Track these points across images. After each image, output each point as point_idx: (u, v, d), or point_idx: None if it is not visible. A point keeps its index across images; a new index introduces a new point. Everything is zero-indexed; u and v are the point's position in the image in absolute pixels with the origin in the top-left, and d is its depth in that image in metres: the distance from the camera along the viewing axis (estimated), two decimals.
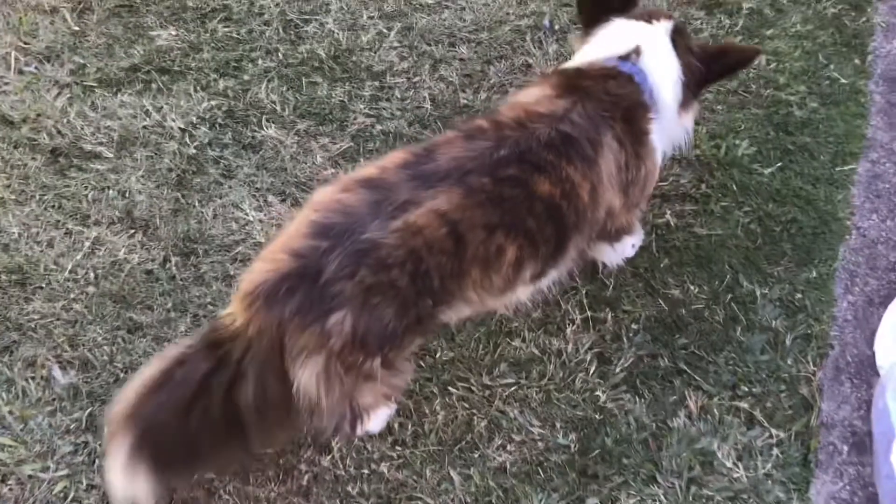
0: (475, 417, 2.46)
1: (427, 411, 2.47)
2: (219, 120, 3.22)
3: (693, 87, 2.49)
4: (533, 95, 2.36)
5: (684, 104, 2.50)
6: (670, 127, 2.51)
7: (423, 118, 3.23)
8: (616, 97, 2.32)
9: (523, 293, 2.39)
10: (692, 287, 2.74)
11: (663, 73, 2.41)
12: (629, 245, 2.76)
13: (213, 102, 3.27)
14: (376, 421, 2.42)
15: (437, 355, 2.58)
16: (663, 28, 2.43)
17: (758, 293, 2.73)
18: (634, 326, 2.65)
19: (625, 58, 2.38)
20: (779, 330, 2.65)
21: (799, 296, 2.73)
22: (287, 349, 1.96)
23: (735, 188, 3.00)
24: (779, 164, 3.07)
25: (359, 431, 2.37)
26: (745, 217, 2.93)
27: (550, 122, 2.23)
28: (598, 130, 2.27)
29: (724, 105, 3.27)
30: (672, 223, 2.89)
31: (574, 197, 2.22)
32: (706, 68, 2.47)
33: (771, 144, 3.13)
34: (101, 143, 3.12)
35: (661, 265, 2.79)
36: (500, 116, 2.26)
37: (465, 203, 2.04)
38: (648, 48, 2.40)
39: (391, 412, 2.46)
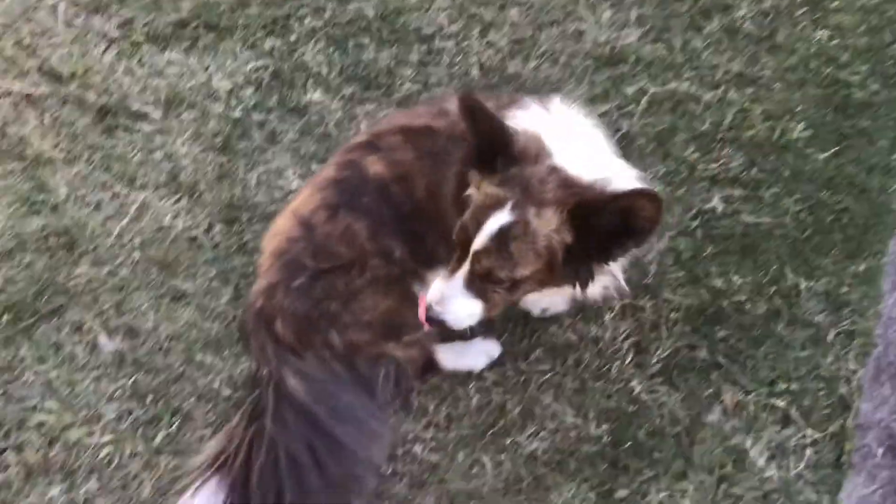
0: (509, 403, 2.48)
1: (461, 394, 2.50)
2: (265, 82, 3.20)
3: None
4: None
5: None
6: None
7: (470, 86, 3.18)
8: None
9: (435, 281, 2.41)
10: (736, 277, 2.70)
11: None
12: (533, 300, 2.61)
13: (259, 63, 3.24)
14: (447, 358, 2.53)
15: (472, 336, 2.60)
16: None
17: (803, 286, 2.68)
18: (674, 316, 2.63)
19: None
20: (822, 325, 2.61)
21: (845, 290, 2.68)
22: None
23: (787, 174, 2.92)
24: (834, 150, 2.97)
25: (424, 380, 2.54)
26: (796, 205, 2.86)
27: (442, 115, 2.31)
28: (455, 143, 2.24)
29: (782, 83, 3.16)
30: (719, 209, 2.84)
31: (407, 185, 2.32)
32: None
33: (828, 128, 3.03)
34: (147, 103, 3.13)
35: (705, 253, 2.75)
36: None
37: (309, 194, 2.38)
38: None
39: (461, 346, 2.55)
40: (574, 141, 2.08)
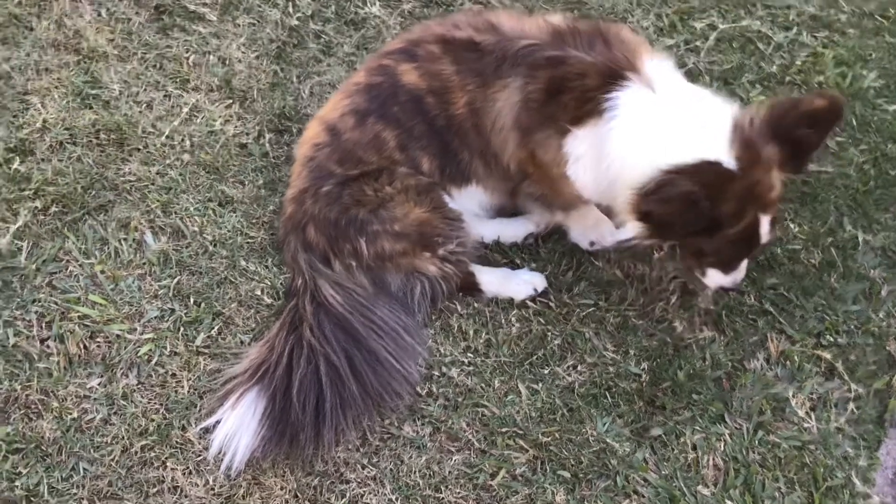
0: (549, 334, 2.46)
1: (502, 321, 2.48)
2: None
3: None
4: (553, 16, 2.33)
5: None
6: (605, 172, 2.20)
7: (532, 7, 3.09)
8: (570, 67, 2.15)
9: (465, 198, 2.49)
10: (792, 225, 2.64)
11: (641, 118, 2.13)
12: (580, 233, 2.61)
13: None
14: (490, 283, 2.51)
15: (519, 266, 2.57)
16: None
17: (860, 239, 2.61)
18: None
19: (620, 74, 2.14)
20: (876, 280, 2.55)
21: None
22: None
23: (855, 123, 2.83)
24: None
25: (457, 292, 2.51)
26: (861, 156, 2.77)
27: (489, 30, 2.25)
28: (513, 65, 2.19)
29: (857, 29, 3.03)
30: None
31: (444, 99, 2.28)
32: None
33: None
34: (205, 5, 3.08)
35: None
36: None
37: (338, 100, 2.41)
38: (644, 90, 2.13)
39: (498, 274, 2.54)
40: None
